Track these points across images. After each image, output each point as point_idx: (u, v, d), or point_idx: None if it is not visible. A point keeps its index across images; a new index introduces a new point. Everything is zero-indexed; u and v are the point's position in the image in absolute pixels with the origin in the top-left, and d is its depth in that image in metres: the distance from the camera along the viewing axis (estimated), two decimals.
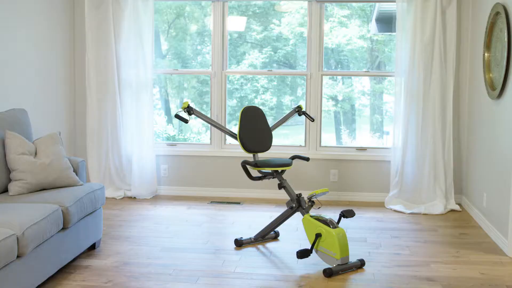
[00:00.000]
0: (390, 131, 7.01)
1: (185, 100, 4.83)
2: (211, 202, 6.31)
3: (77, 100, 6.62)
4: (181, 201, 6.35)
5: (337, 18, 6.82)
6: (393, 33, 6.80)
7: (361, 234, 5.13)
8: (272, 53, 6.95)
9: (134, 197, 6.47)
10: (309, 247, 4.53)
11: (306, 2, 6.40)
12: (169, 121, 7.45)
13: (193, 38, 7.05)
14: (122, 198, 6.47)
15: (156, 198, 6.47)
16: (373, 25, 7.25)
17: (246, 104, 7.08)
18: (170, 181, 6.66)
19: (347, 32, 6.84)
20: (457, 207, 6.01)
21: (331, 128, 7.30)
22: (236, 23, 6.75)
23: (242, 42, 6.94)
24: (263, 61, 6.98)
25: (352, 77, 6.94)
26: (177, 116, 4.70)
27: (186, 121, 4.68)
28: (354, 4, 6.66)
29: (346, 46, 6.83)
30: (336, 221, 4.30)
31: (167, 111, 7.44)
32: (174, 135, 7.54)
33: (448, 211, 5.96)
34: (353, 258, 4.32)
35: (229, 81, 6.74)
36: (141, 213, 5.80)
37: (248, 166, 4.69)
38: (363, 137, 7.42)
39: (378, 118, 7.43)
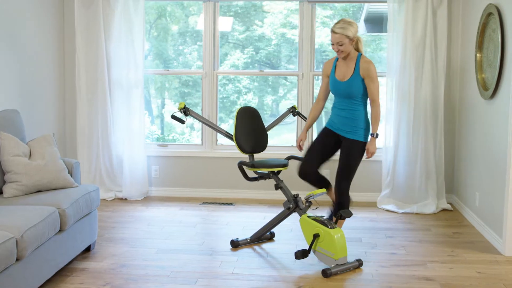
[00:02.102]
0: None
1: (180, 101, 4.81)
2: (203, 203, 6.28)
3: (66, 101, 6.55)
4: (173, 202, 6.31)
5: (320, 19, 6.84)
6: (381, 34, 6.85)
7: (356, 234, 5.14)
8: (254, 53, 6.95)
9: (125, 199, 6.41)
10: (306, 247, 4.52)
11: (298, 3, 6.40)
12: (152, 121, 7.41)
13: (174, 39, 7.03)
14: (113, 199, 6.41)
15: (147, 199, 6.42)
16: (361, 26, 7.27)
17: (228, 104, 7.08)
18: (161, 182, 6.61)
19: (329, 32, 6.85)
20: (448, 207, 6.05)
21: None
22: (222, 24, 6.71)
23: (224, 42, 6.93)
24: (245, 61, 6.97)
25: None
26: (173, 117, 4.68)
27: (182, 122, 4.66)
28: (336, 4, 6.68)
29: (329, 46, 6.83)
30: (334, 221, 4.30)
31: (150, 111, 7.41)
32: (163, 136, 7.51)
33: (440, 211, 6.00)
34: (350, 258, 4.32)
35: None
36: (133, 215, 5.76)
37: (244, 167, 4.68)
38: None
39: None
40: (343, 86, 4.45)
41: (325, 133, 4.61)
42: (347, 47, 4.36)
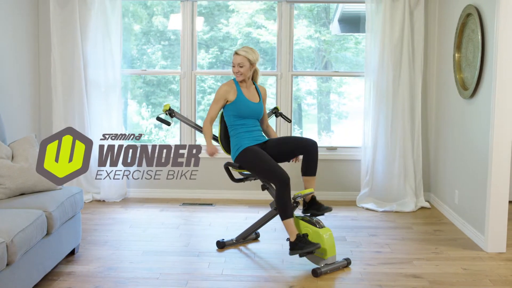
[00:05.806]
0: (335, 130, 7.26)
1: (165, 103, 4.76)
2: (183, 204, 6.24)
3: (42, 101, 6.41)
4: (152, 203, 6.25)
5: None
6: (355, 34, 6.93)
7: (339, 233, 5.15)
8: (219, 53, 6.95)
9: (103, 200, 6.32)
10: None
11: (276, 2, 6.41)
12: None
13: (138, 38, 6.97)
14: (91, 201, 6.31)
15: (126, 201, 6.34)
16: (335, 26, 7.32)
17: None
18: (139, 183, 6.53)
19: (295, 32, 6.89)
20: (427, 205, 6.13)
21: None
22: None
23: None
24: (210, 61, 6.97)
25: (299, 76, 6.98)
26: (158, 118, 4.63)
27: (168, 123, 4.62)
28: (301, 5, 6.71)
29: (294, 46, 6.87)
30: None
31: None
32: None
33: (419, 209, 6.08)
34: (337, 257, 4.34)
35: (175, 81, 6.64)
36: (113, 217, 5.68)
37: (230, 168, 4.66)
38: (311, 136, 7.47)
39: (325, 117, 7.52)
40: (257, 106, 4.64)
41: (258, 148, 4.52)
42: (246, 70, 4.56)
